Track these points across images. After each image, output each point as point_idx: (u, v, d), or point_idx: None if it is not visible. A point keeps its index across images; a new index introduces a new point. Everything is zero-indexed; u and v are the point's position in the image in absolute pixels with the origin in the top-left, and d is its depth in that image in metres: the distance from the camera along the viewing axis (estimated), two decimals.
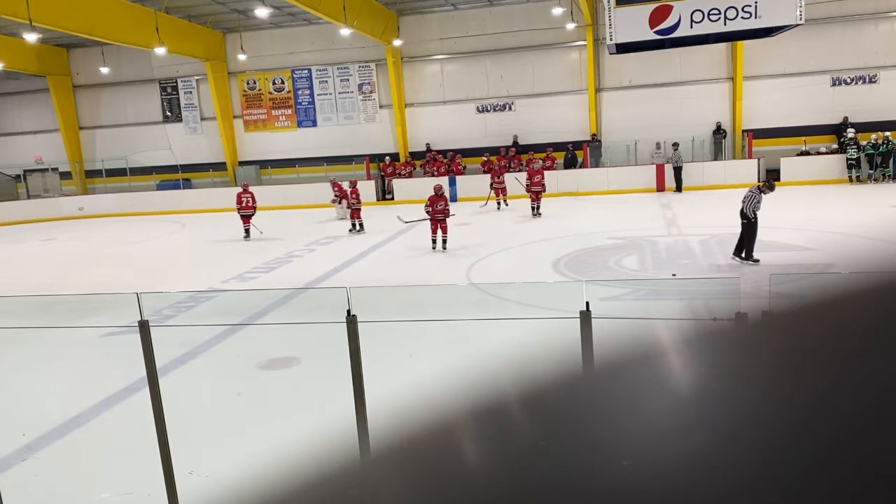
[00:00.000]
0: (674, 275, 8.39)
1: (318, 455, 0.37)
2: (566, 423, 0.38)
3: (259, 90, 25.00)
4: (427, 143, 23.78)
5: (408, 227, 16.91)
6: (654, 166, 20.67)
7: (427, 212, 13.36)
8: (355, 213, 16.20)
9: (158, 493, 4.29)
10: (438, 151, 23.26)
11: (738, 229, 10.42)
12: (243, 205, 15.98)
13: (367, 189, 22.80)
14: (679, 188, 20.33)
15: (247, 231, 15.96)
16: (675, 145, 20.66)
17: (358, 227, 16.10)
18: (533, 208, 16.97)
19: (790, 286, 5.37)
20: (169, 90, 25.82)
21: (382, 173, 23.42)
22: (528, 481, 0.34)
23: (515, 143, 23.06)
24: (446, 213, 13.25)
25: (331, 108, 24.57)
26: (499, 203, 19.15)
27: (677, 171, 20.39)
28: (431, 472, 0.37)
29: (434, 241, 13.35)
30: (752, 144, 20.98)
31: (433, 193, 13.45)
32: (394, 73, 23.27)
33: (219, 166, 25.35)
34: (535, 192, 16.93)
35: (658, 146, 21.37)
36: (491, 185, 19.17)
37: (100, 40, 20.08)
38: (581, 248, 12.40)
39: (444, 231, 13.22)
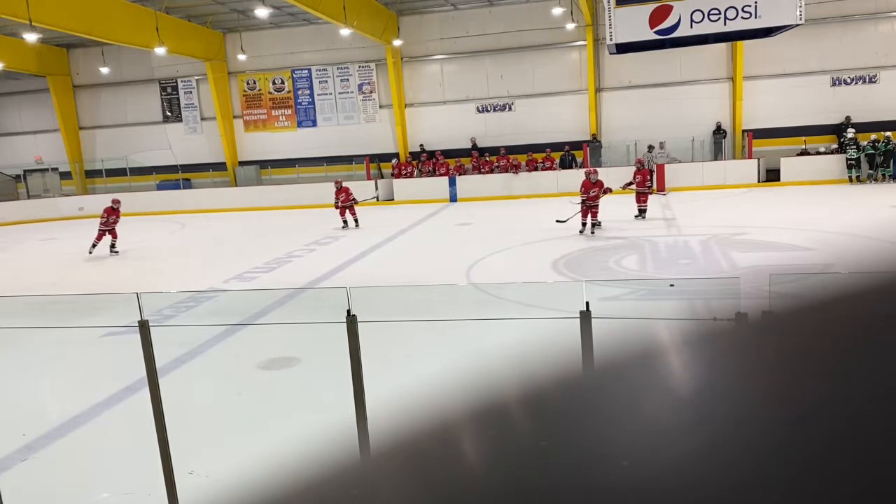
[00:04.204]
0: (672, 285, 8.41)
1: (318, 455, 0.37)
2: (566, 423, 0.38)
3: (259, 90, 25.01)
4: (421, 144, 23.84)
5: (407, 227, 16.90)
6: (653, 166, 20.68)
7: (582, 200, 13.77)
8: None
9: (158, 493, 4.29)
10: (441, 152, 23.30)
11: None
12: (343, 199, 17.12)
13: (367, 190, 22.84)
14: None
15: (345, 222, 17.11)
16: (650, 147, 20.78)
17: None
18: (583, 224, 13.96)
19: (790, 286, 5.37)
20: (169, 90, 25.82)
21: (393, 175, 23.45)
22: (527, 481, 0.34)
23: (475, 146, 23.23)
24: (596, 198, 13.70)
25: (331, 108, 24.58)
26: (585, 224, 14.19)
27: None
28: (431, 472, 0.37)
29: (584, 225, 13.81)
30: (752, 144, 20.99)
31: (586, 178, 13.94)
32: (394, 73, 23.28)
33: (219, 166, 25.36)
34: (592, 207, 13.84)
35: (661, 146, 21.34)
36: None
37: (100, 40, 20.08)
38: (581, 248, 12.40)
39: (594, 215, 13.81)
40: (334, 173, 23.69)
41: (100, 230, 14.92)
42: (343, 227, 16.88)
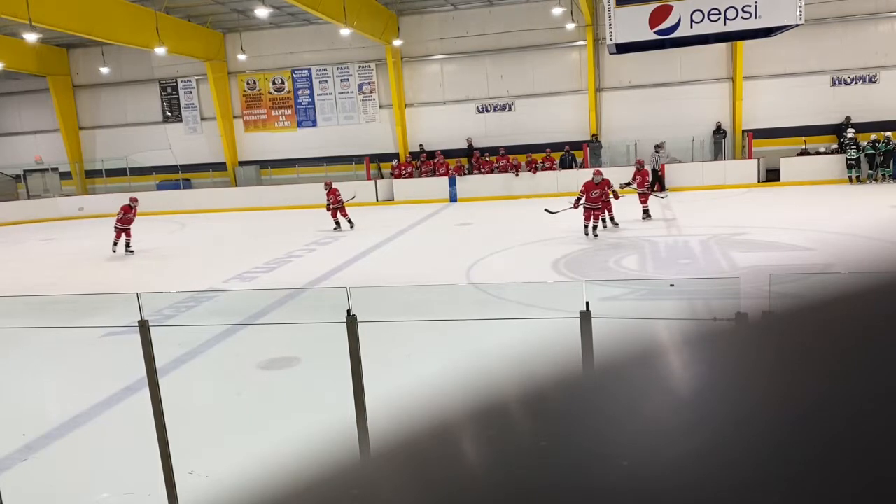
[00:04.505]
0: (672, 285, 8.43)
1: (318, 455, 0.37)
2: (566, 423, 0.38)
3: (259, 90, 25.01)
4: (420, 144, 23.85)
5: (407, 227, 16.90)
6: (658, 166, 20.66)
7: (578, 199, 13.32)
8: None
9: (158, 493, 4.29)
10: (441, 152, 23.30)
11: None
12: (332, 201, 16.80)
13: (367, 190, 22.85)
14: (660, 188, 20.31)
15: (338, 224, 16.78)
16: (658, 147, 20.82)
17: None
18: (585, 226, 13.34)
19: (790, 286, 5.37)
20: (169, 90, 25.82)
21: (392, 175, 23.47)
22: (527, 481, 0.34)
23: (470, 146, 23.25)
24: (603, 201, 13.26)
25: (331, 108, 24.58)
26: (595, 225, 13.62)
27: (653, 173, 20.51)
28: (431, 472, 0.37)
29: (586, 227, 13.26)
30: (752, 144, 20.99)
31: (590, 179, 13.39)
32: (394, 73, 23.28)
33: (219, 166, 25.36)
34: (594, 210, 13.29)
35: (661, 146, 21.37)
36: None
37: (100, 40, 20.08)
38: (581, 248, 12.40)
39: (596, 218, 13.32)
40: (334, 173, 23.70)
41: (117, 228, 14.92)
42: (335, 229, 16.67)
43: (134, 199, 15.28)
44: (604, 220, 13.96)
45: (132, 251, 14.92)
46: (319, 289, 10.00)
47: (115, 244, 14.89)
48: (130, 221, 14.94)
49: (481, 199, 21.49)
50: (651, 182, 20.14)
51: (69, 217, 23.26)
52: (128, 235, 14.93)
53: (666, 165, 20.85)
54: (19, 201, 24.83)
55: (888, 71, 20.41)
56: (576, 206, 13.43)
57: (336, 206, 16.80)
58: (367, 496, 0.36)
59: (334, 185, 17.18)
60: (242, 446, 5.03)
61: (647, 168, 19.91)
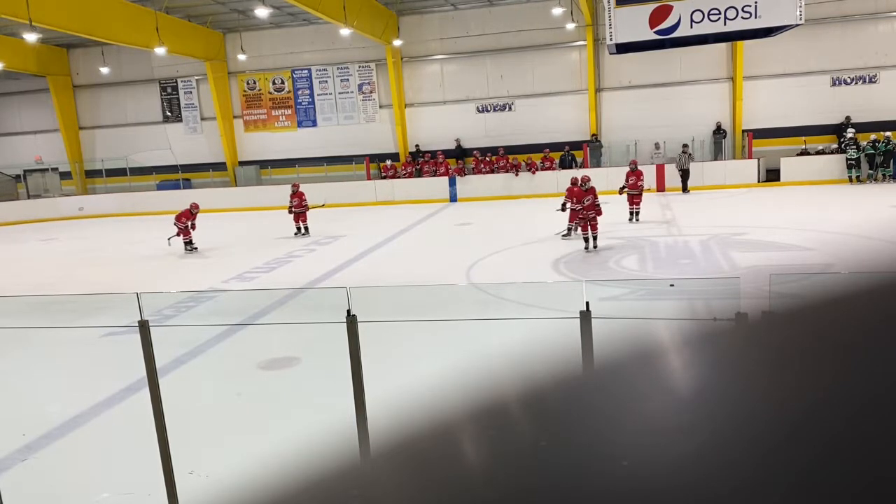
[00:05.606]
0: (672, 285, 8.43)
1: (318, 455, 0.37)
2: (566, 423, 0.38)
3: (259, 90, 25.01)
4: (416, 144, 23.84)
5: (407, 227, 16.89)
6: (654, 166, 20.66)
7: (570, 208, 12.27)
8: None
9: (158, 493, 4.29)
10: (442, 152, 23.29)
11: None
12: (296, 204, 16.45)
13: (367, 190, 22.84)
14: (685, 189, 20.41)
15: (299, 229, 16.45)
16: (685, 146, 20.74)
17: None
18: (585, 239, 12.29)
19: (790, 286, 5.37)
20: (169, 90, 25.82)
21: (384, 174, 23.48)
22: (527, 481, 0.34)
23: (459, 147, 23.28)
24: (597, 209, 12.13)
25: (331, 108, 24.58)
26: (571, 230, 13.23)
27: (684, 173, 20.46)
28: (431, 472, 0.37)
29: (586, 240, 12.11)
30: (752, 144, 21.00)
31: (578, 186, 12.30)
32: (394, 73, 23.28)
33: (219, 166, 25.35)
34: (591, 221, 12.22)
35: (657, 146, 21.39)
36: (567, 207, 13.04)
37: (100, 40, 20.09)
38: (581, 248, 12.39)
39: (594, 228, 12.08)
40: (334, 173, 23.72)
41: (186, 229, 15.09)
42: (296, 234, 16.22)
43: (195, 206, 15.39)
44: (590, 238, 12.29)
45: (195, 248, 15.11)
46: (319, 289, 10.00)
47: (189, 243, 15.12)
48: (185, 224, 15.19)
49: (481, 199, 21.49)
50: (682, 181, 20.29)
51: (69, 217, 23.26)
52: (185, 234, 15.12)
53: (666, 166, 20.85)
54: (19, 201, 24.82)
55: (888, 71, 20.41)
56: (563, 209, 12.74)
57: (299, 210, 16.36)
58: (367, 496, 0.36)
59: (301, 188, 16.77)
60: (242, 446, 5.03)
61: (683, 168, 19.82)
